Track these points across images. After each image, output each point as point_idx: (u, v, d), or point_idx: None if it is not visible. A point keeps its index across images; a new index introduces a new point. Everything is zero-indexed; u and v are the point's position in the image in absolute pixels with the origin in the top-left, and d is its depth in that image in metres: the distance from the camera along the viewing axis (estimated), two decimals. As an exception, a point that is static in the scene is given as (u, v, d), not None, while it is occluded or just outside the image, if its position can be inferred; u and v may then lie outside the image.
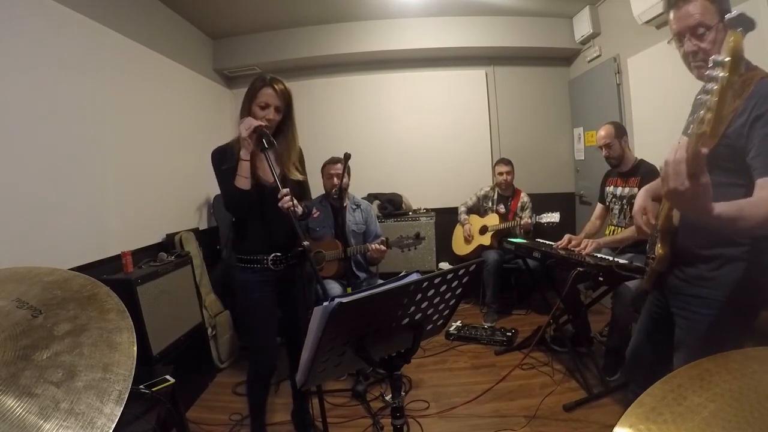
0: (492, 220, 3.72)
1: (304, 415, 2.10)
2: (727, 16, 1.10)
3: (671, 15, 1.22)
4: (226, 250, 3.42)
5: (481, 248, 3.71)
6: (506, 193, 3.79)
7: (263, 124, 1.70)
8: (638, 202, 1.40)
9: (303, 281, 1.99)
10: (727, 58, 0.76)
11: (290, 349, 2.02)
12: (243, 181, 1.71)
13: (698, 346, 1.25)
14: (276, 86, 1.74)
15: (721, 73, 0.77)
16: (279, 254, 1.84)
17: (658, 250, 1.31)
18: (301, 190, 1.89)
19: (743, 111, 1.09)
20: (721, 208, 0.89)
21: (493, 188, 3.85)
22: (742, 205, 0.96)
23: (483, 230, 3.73)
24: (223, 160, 1.77)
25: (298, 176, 1.86)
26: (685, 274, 1.29)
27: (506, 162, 3.74)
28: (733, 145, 1.10)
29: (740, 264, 1.18)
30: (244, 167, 1.71)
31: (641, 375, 1.50)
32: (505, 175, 3.70)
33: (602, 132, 2.72)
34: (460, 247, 3.92)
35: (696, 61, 1.19)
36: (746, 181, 1.08)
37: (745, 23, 0.97)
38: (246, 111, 1.77)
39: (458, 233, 3.99)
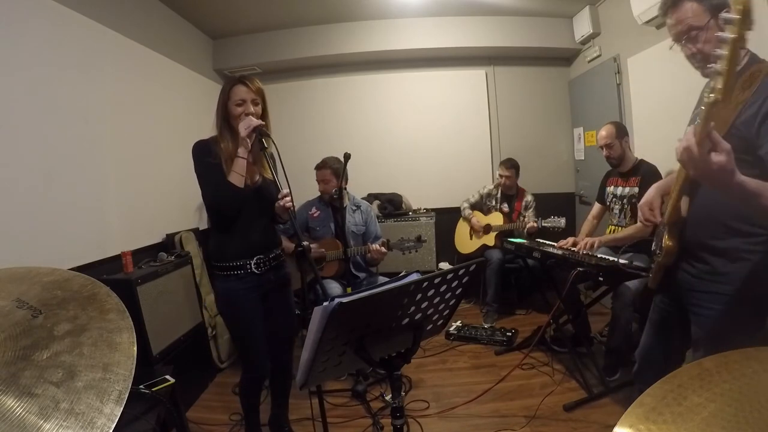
0: (496, 219, 3.71)
1: (282, 423, 2.08)
2: None
3: (667, 23, 1.26)
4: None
5: (485, 247, 3.71)
6: (510, 192, 3.78)
7: (263, 123, 1.69)
8: (646, 197, 1.39)
9: (286, 284, 1.94)
10: (737, 16, 0.78)
11: (269, 354, 1.93)
12: (238, 179, 1.67)
13: (716, 343, 1.23)
14: (249, 83, 1.72)
15: (729, 34, 0.79)
16: (261, 257, 1.79)
17: (666, 242, 1.29)
18: (276, 189, 1.80)
19: (753, 103, 1.10)
20: (743, 178, 0.90)
21: (496, 187, 3.84)
22: (765, 185, 0.96)
23: (487, 229, 3.73)
24: (207, 153, 1.72)
25: (271, 176, 1.78)
26: (697, 269, 1.27)
27: (508, 166, 3.70)
28: (743, 137, 1.10)
29: (754, 256, 1.17)
30: (241, 165, 1.68)
31: (652, 376, 1.48)
32: (504, 178, 3.70)
33: (603, 132, 2.72)
34: (464, 245, 3.91)
35: (697, 62, 1.21)
36: (763, 173, 1.07)
37: None
38: (221, 113, 1.74)
39: (461, 230, 3.98)
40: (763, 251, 1.18)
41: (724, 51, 0.81)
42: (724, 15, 0.80)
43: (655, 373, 1.45)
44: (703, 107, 0.88)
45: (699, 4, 1.16)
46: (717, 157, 0.85)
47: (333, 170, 2.85)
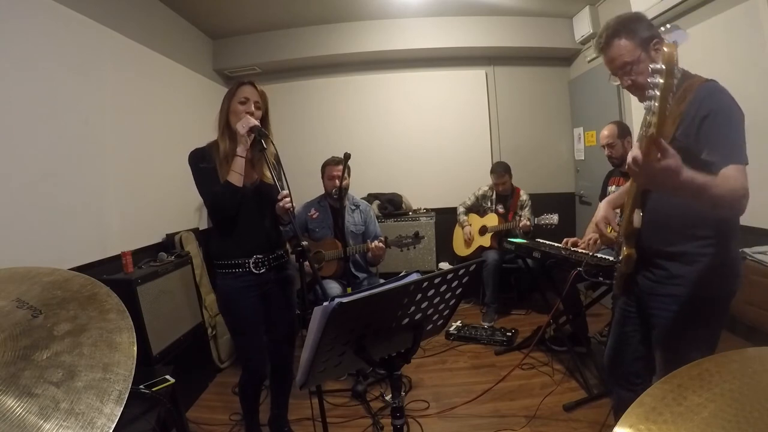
0: (491, 220, 3.71)
1: (281, 424, 2.08)
2: (662, 29, 1.21)
3: (604, 60, 1.37)
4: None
5: (481, 249, 3.71)
6: (505, 193, 3.79)
7: (258, 124, 1.70)
8: (600, 213, 1.50)
9: (288, 284, 1.94)
10: (663, 66, 0.89)
11: (270, 354, 1.94)
12: (237, 177, 1.68)
13: (673, 343, 1.31)
14: (255, 85, 1.77)
15: (659, 80, 0.90)
16: (260, 256, 1.80)
17: (624, 252, 1.38)
18: (277, 191, 1.80)
19: (687, 114, 1.19)
20: (691, 174, 0.97)
21: (491, 188, 3.85)
22: (711, 178, 1.04)
23: (482, 231, 3.73)
24: (202, 160, 1.75)
25: (270, 180, 1.81)
26: (656, 275, 1.35)
27: (500, 173, 3.67)
28: (684, 147, 1.16)
29: (705, 259, 1.26)
30: (239, 163, 1.69)
31: (622, 377, 1.52)
32: (500, 186, 3.71)
33: (605, 131, 2.72)
34: (461, 249, 3.92)
35: (636, 92, 1.33)
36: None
37: (678, 36, 1.12)
38: (225, 110, 1.77)
39: (458, 234, 3.99)
40: (712, 254, 1.26)
41: (656, 92, 0.91)
42: (652, 66, 0.90)
43: (625, 373, 1.49)
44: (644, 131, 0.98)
45: (629, 41, 1.27)
46: (664, 161, 0.92)
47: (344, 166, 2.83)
